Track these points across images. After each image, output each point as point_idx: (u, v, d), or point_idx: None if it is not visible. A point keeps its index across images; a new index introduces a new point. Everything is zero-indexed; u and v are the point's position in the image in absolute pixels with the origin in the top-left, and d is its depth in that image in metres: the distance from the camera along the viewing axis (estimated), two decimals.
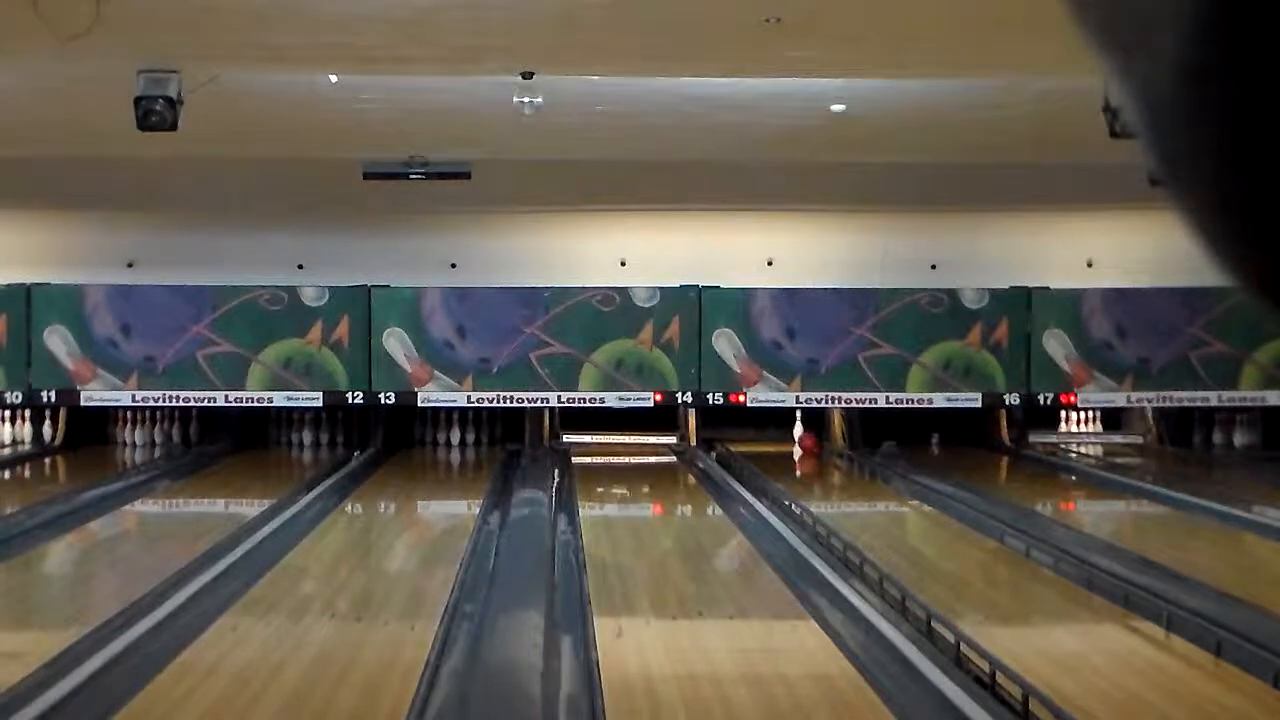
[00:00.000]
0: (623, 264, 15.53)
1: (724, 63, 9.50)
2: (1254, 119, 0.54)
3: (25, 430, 15.68)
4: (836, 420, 16.07)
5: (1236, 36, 0.53)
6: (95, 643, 6.28)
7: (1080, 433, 16.32)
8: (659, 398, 15.28)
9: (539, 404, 15.37)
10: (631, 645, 6.50)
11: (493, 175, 13.25)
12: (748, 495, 11.43)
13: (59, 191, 14.45)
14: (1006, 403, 15.52)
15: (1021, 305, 15.44)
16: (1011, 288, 15.47)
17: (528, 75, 9.57)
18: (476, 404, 15.34)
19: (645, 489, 12.85)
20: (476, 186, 13.25)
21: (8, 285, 15.03)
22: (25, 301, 14.98)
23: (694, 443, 15.54)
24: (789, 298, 15.36)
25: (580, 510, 10.90)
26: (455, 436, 15.91)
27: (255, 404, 15.22)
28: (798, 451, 15.66)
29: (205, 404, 15.19)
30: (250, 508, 11.20)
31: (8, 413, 15.59)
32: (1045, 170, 13.65)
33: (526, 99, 10.10)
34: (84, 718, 5.38)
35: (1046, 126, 11.40)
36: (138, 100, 9.17)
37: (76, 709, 5.41)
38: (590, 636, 6.51)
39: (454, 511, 12.47)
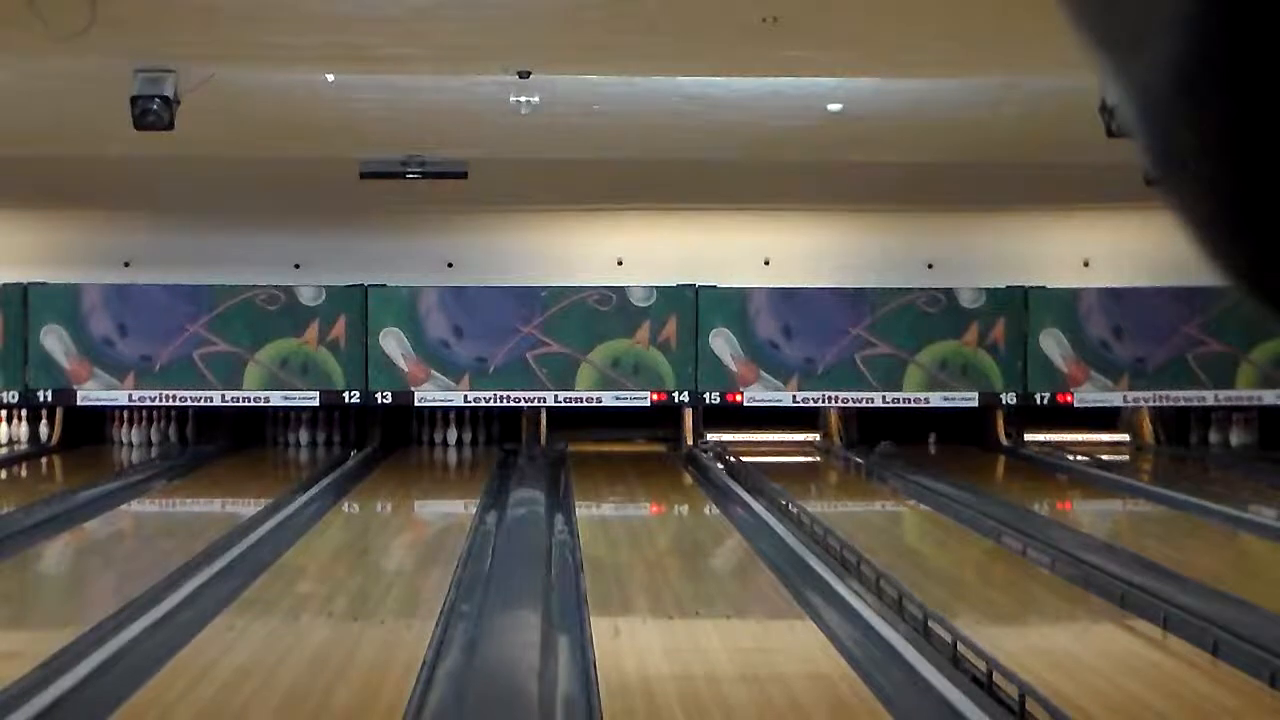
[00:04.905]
0: (620, 263, 15.54)
1: (721, 62, 9.50)
2: (1250, 119, 0.54)
3: (22, 430, 15.67)
4: (834, 419, 16.09)
5: (1232, 36, 0.53)
6: (92, 642, 6.27)
7: (1077, 432, 16.30)
8: (656, 397, 15.28)
9: (536, 404, 15.37)
10: (628, 645, 6.50)
11: (489, 174, 13.25)
12: (744, 494, 11.43)
13: (55, 191, 14.45)
14: (1003, 402, 15.53)
15: (1018, 305, 15.45)
16: (1008, 287, 15.48)
17: (525, 74, 9.57)
18: (473, 403, 15.35)
19: (642, 488, 12.84)
20: (473, 186, 13.25)
21: (4, 285, 15.02)
22: (22, 301, 14.97)
23: (690, 442, 15.54)
24: (786, 297, 15.36)
25: (577, 509, 10.90)
26: (452, 436, 15.91)
27: (252, 403, 15.22)
28: None
29: (202, 403, 15.18)
30: (247, 507, 11.20)
31: (4, 412, 15.57)
32: (1042, 170, 13.66)
33: (523, 98, 10.10)
34: (81, 717, 5.38)
35: (1043, 126, 11.40)
36: (134, 99, 9.17)
37: (73, 709, 5.41)
38: (587, 636, 6.51)
39: (451, 511, 12.47)
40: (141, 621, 6.70)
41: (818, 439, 16.07)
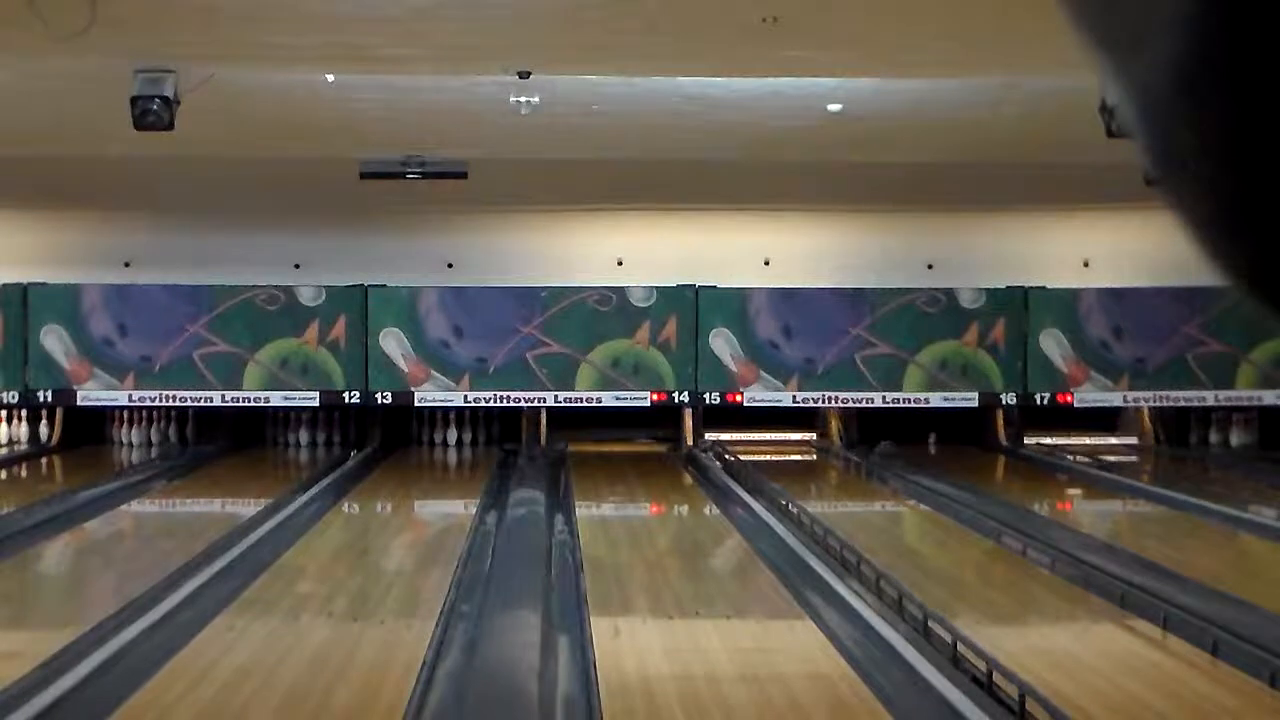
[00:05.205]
0: (620, 263, 15.54)
1: (721, 62, 9.50)
2: (1251, 119, 0.54)
3: (22, 430, 15.67)
4: (834, 419, 16.09)
5: (1232, 36, 0.53)
6: (92, 643, 6.27)
7: (1077, 432, 16.31)
8: (656, 397, 15.28)
9: (536, 404, 15.37)
10: (628, 645, 6.50)
11: (489, 175, 13.25)
12: (744, 494, 11.43)
13: (56, 191, 14.46)
14: (1003, 402, 15.53)
15: (1018, 305, 15.45)
16: (1008, 287, 15.48)
17: (525, 74, 9.57)
18: (473, 404, 15.35)
19: (642, 488, 12.85)
20: (473, 186, 13.25)
21: (4, 285, 15.02)
22: (22, 301, 14.97)
23: (691, 442, 15.54)
24: (786, 297, 15.36)
25: (577, 509, 10.90)
26: (452, 436, 15.91)
27: (252, 403, 15.22)
28: None
29: (202, 403, 15.18)
30: (247, 507, 11.20)
31: (4, 412, 15.58)
32: (1042, 170, 13.66)
33: (523, 98, 10.11)
34: (81, 718, 5.38)
35: (1043, 126, 11.41)
36: (134, 99, 9.17)
37: (73, 709, 5.41)
38: (587, 636, 6.51)
39: (451, 511, 12.47)
40: (141, 622, 6.70)
41: (814, 438, 16.09)
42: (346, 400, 15.22)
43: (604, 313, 15.24)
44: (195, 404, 15.21)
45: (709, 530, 10.64)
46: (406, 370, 15.17)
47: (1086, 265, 15.65)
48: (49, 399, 15.08)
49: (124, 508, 11.50)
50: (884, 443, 15.29)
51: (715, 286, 15.35)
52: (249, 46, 8.85)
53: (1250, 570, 9.13)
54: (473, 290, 15.26)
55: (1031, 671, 5.69)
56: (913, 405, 15.42)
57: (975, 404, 15.48)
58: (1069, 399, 15.49)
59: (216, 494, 12.84)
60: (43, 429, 15.65)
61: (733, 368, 15.34)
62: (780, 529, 9.70)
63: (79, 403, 15.09)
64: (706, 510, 11.49)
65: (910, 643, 6.29)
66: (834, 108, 10.95)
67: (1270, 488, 12.86)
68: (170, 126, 9.29)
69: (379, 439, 15.48)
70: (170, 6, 7.97)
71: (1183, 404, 15.62)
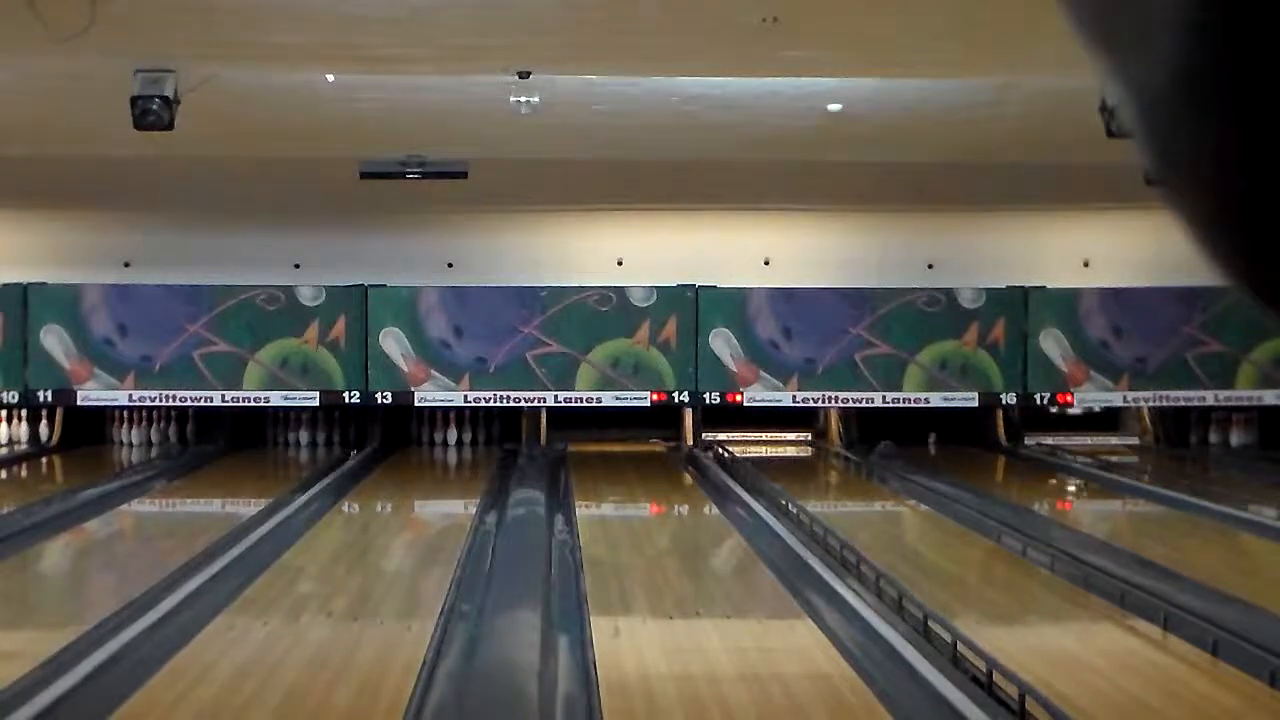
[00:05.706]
0: (620, 263, 15.54)
1: (721, 62, 9.50)
2: (1252, 119, 0.54)
3: (22, 430, 15.67)
4: (833, 419, 16.10)
5: (1234, 36, 0.53)
6: (92, 642, 6.27)
7: (1077, 432, 16.31)
8: (656, 397, 15.28)
9: (536, 404, 15.38)
10: (628, 645, 6.50)
11: (490, 174, 13.24)
12: (744, 494, 11.43)
13: (55, 191, 14.45)
14: (1003, 402, 15.53)
15: (1018, 305, 15.45)
16: (1008, 287, 15.48)
17: (524, 74, 9.57)
18: (473, 404, 15.35)
19: (642, 488, 12.85)
20: (473, 186, 13.24)
21: (4, 285, 15.02)
22: (22, 301, 14.97)
23: (691, 442, 15.55)
24: (786, 297, 15.36)
25: (577, 509, 10.90)
26: (452, 436, 15.91)
27: (252, 403, 15.22)
28: None
29: (202, 403, 15.18)
30: (247, 507, 11.19)
31: (4, 412, 15.58)
32: (1042, 170, 13.66)
33: (523, 98, 10.10)
34: (81, 717, 5.38)
35: (1043, 126, 11.40)
36: (134, 99, 9.17)
37: (73, 709, 5.41)
38: (587, 636, 6.51)
39: (451, 511, 12.47)
40: (141, 621, 6.70)
41: (809, 437, 16.10)
42: (346, 400, 15.22)
43: (604, 313, 15.25)
44: (195, 404, 15.21)
45: (709, 530, 10.64)
46: (406, 370, 15.17)
47: (1086, 265, 15.65)
48: (49, 399, 15.08)
49: (124, 508, 11.50)
50: (884, 443, 15.28)
51: (715, 286, 15.35)
52: (249, 46, 8.85)
53: (1250, 570, 9.12)
54: (473, 290, 15.26)
55: (1031, 671, 5.69)
56: (913, 405, 15.42)
57: (975, 404, 15.48)
58: (1069, 399, 15.49)
59: (216, 494, 12.84)
60: (43, 429, 15.66)
61: (732, 368, 15.34)
62: (780, 529, 9.70)
63: (79, 403, 15.10)
64: (706, 510, 11.49)
65: (910, 643, 6.29)
66: (834, 108, 10.94)
67: (1270, 487, 12.86)
68: (170, 126, 9.29)
69: (379, 439, 15.49)
70: (170, 6, 7.97)
71: (1183, 404, 15.62)
